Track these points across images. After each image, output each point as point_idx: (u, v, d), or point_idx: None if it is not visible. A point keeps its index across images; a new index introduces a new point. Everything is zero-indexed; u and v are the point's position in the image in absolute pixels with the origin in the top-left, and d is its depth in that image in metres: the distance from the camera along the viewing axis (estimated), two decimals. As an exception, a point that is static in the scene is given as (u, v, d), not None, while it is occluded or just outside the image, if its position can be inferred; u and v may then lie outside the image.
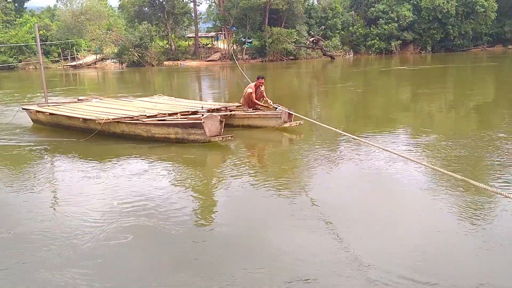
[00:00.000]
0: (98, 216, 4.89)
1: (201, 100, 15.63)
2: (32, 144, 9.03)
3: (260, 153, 8.11)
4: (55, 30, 48.60)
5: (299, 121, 9.33)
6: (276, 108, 9.52)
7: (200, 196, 5.56)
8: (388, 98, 14.92)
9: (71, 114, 9.66)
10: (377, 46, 47.78)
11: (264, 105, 9.89)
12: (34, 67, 44.09)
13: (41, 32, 47.64)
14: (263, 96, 9.93)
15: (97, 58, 46.84)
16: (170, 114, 9.02)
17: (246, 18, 43.48)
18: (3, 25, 47.79)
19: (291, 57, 44.41)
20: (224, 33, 48.12)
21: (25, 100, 15.99)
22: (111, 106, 10.67)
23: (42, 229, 4.59)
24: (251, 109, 9.84)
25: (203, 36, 54.05)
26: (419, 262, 3.57)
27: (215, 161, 7.52)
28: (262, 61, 43.55)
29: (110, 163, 7.25)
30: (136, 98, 12.14)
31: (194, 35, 50.58)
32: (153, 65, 42.60)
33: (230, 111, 9.95)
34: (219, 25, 49.29)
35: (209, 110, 9.43)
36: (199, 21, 51.20)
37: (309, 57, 44.95)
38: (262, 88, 9.96)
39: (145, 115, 8.87)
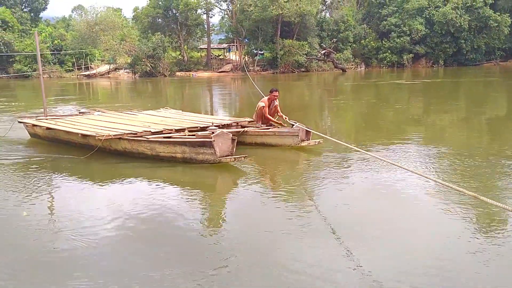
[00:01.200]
0: (97, 242, 4.47)
1: (211, 113, 15.51)
2: (27, 160, 8.47)
3: (275, 177, 7.16)
4: (70, 40, 49.32)
5: (318, 140, 8.60)
6: (293, 125, 8.72)
7: (207, 225, 4.96)
8: (404, 112, 14.87)
9: (69, 129, 8.92)
10: (388, 59, 47.77)
11: (277, 121, 9.17)
12: (48, 76, 44.68)
13: (56, 41, 48.55)
14: (277, 111, 9.19)
15: (111, 68, 47.34)
16: (177, 130, 8.35)
17: (258, 30, 43.78)
18: (18, 35, 48.52)
19: (303, 69, 44.53)
20: (236, 45, 48.44)
21: (31, 111, 15.42)
22: (113, 120, 9.90)
23: (34, 256, 4.24)
24: (265, 125, 9.14)
25: (215, 48, 54.47)
26: (434, 277, 3.57)
27: (226, 184, 6.87)
28: (273, 73, 43.72)
29: (110, 185, 6.63)
30: (141, 111, 11.51)
31: (206, 47, 51.01)
32: (165, 76, 42.94)
33: (242, 127, 9.21)
34: (231, 36, 49.71)
35: (219, 126, 8.59)
36: (211, 33, 51.71)
37: (320, 70, 45.05)
38: (277, 102, 9.21)
39: (150, 131, 8.16)
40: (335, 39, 47.34)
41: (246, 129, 8.96)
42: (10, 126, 10.84)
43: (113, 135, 7.92)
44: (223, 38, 55.62)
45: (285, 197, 5.81)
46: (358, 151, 7.13)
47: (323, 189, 6.17)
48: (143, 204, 5.60)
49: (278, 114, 9.18)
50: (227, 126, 8.99)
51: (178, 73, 44.92)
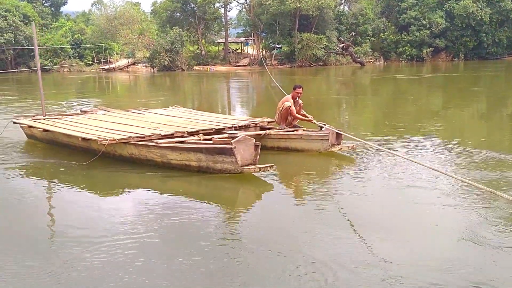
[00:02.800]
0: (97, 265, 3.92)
1: (228, 110, 15.14)
2: (20, 166, 7.66)
3: (305, 191, 6.06)
4: (90, 34, 49.77)
5: (351, 144, 7.67)
6: (321, 127, 7.78)
7: (228, 245, 4.32)
8: (428, 107, 14.76)
9: (68, 132, 8.01)
10: (408, 53, 47.23)
11: (306, 119, 8.21)
12: (68, 70, 45.29)
13: (76, 36, 49.07)
14: (300, 111, 8.29)
15: (129, 62, 47.71)
16: (189, 133, 7.48)
17: (276, 23, 43.65)
18: (39, 29, 49.21)
19: (320, 63, 44.28)
20: (254, 39, 48.40)
21: (48, 107, 13.73)
22: (118, 120, 9.02)
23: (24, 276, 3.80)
24: (287, 127, 8.19)
25: (232, 42, 54.51)
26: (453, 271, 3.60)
27: (247, 199, 6.00)
28: (291, 67, 43.57)
29: (114, 197, 5.99)
30: (149, 110, 10.58)
31: (224, 40, 51.07)
32: (183, 70, 43.13)
33: (261, 128, 8.38)
34: (249, 30, 49.69)
35: (237, 127, 7.99)
36: (229, 27, 51.74)
37: (338, 63, 44.76)
38: (301, 101, 8.31)
39: (159, 134, 7.27)
40: (353, 33, 46.99)
41: (268, 131, 7.99)
42: (4, 126, 9.62)
43: (118, 139, 7.03)
44: (240, 32, 55.64)
45: (318, 217, 4.95)
46: (402, 157, 6.43)
47: (363, 211, 5.10)
48: (151, 220, 4.94)
49: (301, 114, 8.27)
50: (245, 127, 8.19)
51: (196, 67, 45.07)
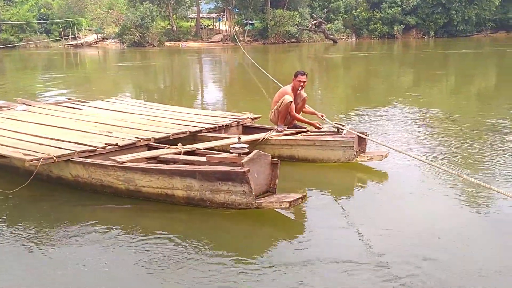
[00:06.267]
0: None
1: (202, 95, 13.95)
2: None
3: (341, 236, 3.93)
4: (56, 9, 48.23)
5: (384, 152, 5.76)
6: (339, 129, 5.91)
7: None
8: (399, 84, 14.92)
9: None
10: (379, 30, 47.48)
11: (309, 121, 6.32)
12: (35, 46, 43.93)
13: (42, 10, 47.47)
14: (304, 105, 6.43)
15: (98, 37, 46.61)
16: (157, 139, 5.53)
17: (248, -1, 43.17)
18: (4, 3, 47.39)
19: (293, 40, 44.15)
20: (226, 15, 47.81)
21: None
22: (48, 120, 6.57)
23: None
24: (286, 127, 6.29)
25: (204, 17, 53.68)
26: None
27: (259, 249, 3.73)
28: (264, 44, 43.33)
29: (48, 254, 3.67)
30: (87, 102, 8.30)
31: (195, 16, 50.24)
32: (154, 46, 42.38)
33: (244, 127, 6.67)
34: (221, 6, 49.01)
35: (215, 128, 6.25)
36: (201, 2, 50.81)
37: (311, 40, 44.73)
38: (305, 94, 6.37)
39: (116, 144, 5.16)
40: (326, 9, 46.83)
41: (267, 135, 5.91)
42: None
43: (56, 156, 4.71)
44: (212, 7, 54.77)
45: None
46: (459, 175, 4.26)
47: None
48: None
49: (308, 111, 6.52)
50: (226, 127, 6.41)
51: (167, 43, 44.33)
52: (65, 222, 4.24)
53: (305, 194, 4.40)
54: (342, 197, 4.82)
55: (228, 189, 4.24)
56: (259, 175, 4.34)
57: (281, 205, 4.17)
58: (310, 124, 6.26)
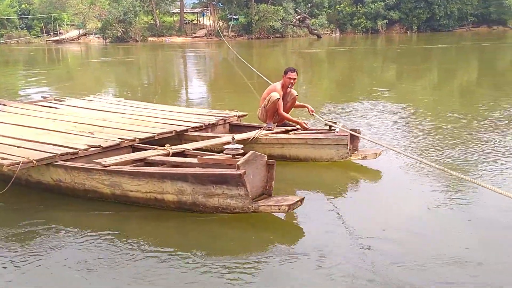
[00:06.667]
0: None
1: (186, 92, 13.65)
2: None
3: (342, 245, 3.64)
4: (37, 4, 47.59)
5: (378, 150, 5.65)
6: (331, 126, 5.77)
7: None
8: (382, 79, 15.00)
9: None
10: (363, 25, 47.67)
11: (297, 120, 6.11)
12: (16, 42, 43.28)
13: (23, 6, 46.75)
14: (294, 104, 6.25)
15: (80, 33, 46.09)
16: (141, 140, 5.30)
17: (232, -6, 43.01)
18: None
19: (278, 35, 44.11)
20: (210, 9, 47.55)
21: None
22: (23, 121, 6.22)
23: None
24: (275, 124, 6.13)
25: (188, 12, 53.32)
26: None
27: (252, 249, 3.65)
28: (248, 39, 43.22)
29: (26, 264, 3.41)
30: (64, 100, 7.98)
31: (179, 11, 49.90)
32: (137, 41, 42.06)
33: (230, 125, 6.53)
34: (204, 0, 48.73)
35: (201, 127, 6.05)
36: (184, -3, 50.49)
37: (295, 35, 44.72)
38: (296, 93, 6.18)
39: (99, 146, 4.92)
40: (310, 4, 46.87)
41: (257, 134, 5.75)
42: None
43: (36, 160, 4.41)
44: (196, 2, 54.42)
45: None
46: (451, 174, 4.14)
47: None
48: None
49: (299, 105, 6.38)
50: (212, 126, 6.24)
51: (150, 39, 44.00)
52: (44, 228, 3.97)
53: (303, 196, 4.15)
54: (337, 198, 4.66)
55: (223, 193, 4.02)
56: (255, 177, 4.14)
57: (279, 209, 3.97)
58: (297, 123, 6.05)
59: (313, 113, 6.18)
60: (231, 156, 4.11)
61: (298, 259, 3.43)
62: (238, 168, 3.91)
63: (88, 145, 4.88)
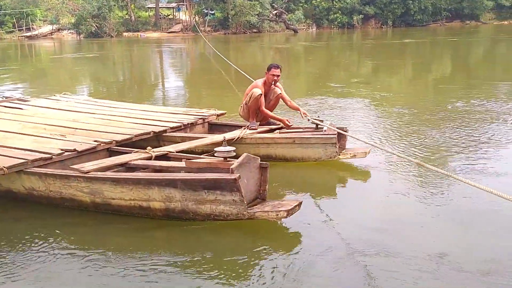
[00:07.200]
0: None
1: (163, 89, 13.26)
2: None
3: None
4: (9, -1, 46.49)
5: (367, 149, 5.50)
6: (318, 124, 5.55)
7: None
8: (359, 73, 15.09)
9: None
10: (339, 20, 47.88)
11: (280, 118, 5.91)
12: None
13: (-7, 0, 45.59)
14: (277, 102, 6.08)
15: (54, 28, 45.23)
16: (118, 142, 5.00)
17: (208, -11, 42.73)
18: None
19: (255, 30, 44.02)
20: (186, 4, 47.19)
21: None
22: None
23: None
24: (258, 123, 5.93)
25: (164, 7, 52.80)
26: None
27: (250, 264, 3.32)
28: (225, 34, 43.05)
29: None
30: (27, 100, 7.51)
31: (154, 6, 49.36)
32: (112, 36, 41.50)
33: (209, 124, 6.31)
34: (180, -5, 48.32)
35: (180, 127, 5.83)
36: (160, -9, 49.96)
37: (272, 31, 44.69)
38: (279, 91, 5.95)
39: (74, 149, 4.57)
40: (286, -1, 46.95)
41: (242, 133, 5.52)
42: None
43: (7, 167, 4.05)
44: (172, -3, 54.00)
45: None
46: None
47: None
48: None
49: (289, 104, 6.04)
50: (191, 125, 6.04)
51: (125, 34, 43.48)
52: (15, 242, 3.63)
53: (301, 200, 3.91)
54: (329, 199, 4.52)
55: (215, 199, 3.74)
56: (249, 180, 3.88)
57: (277, 215, 3.72)
58: (280, 120, 5.83)
59: (306, 116, 5.80)
60: (222, 159, 3.87)
61: (300, 270, 3.20)
62: (232, 172, 3.67)
63: (62, 149, 4.52)
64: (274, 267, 3.24)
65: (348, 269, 3.21)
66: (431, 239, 3.64)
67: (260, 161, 4.08)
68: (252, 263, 3.32)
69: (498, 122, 7.34)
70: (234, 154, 3.90)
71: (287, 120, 5.83)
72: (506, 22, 50.01)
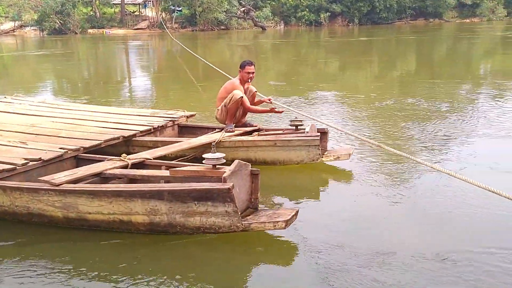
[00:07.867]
0: None
1: (129, 88, 12.74)
2: None
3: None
4: (-33, -6, 44.86)
5: (351, 150, 5.38)
6: (297, 126, 5.32)
7: None
8: (326, 70, 15.18)
9: None
10: (307, 17, 48.18)
11: (266, 109, 5.83)
12: None
13: (-51, -5, 43.90)
14: (254, 100, 5.87)
15: (16, 25, 43.93)
16: (87, 149, 4.64)
17: (175, -15, 42.29)
18: None
19: (222, 27, 43.87)
20: (152, 0, 46.56)
21: None
22: None
23: None
24: (234, 125, 5.67)
25: (129, 3, 51.80)
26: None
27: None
28: (192, 30, 42.76)
29: None
30: None
31: (120, 2, 48.50)
32: (76, 33, 40.61)
33: (179, 127, 6.05)
34: (147, -9, 47.65)
35: (149, 130, 5.51)
36: (125, -13, 49.12)
37: (240, 28, 44.66)
38: (255, 89, 5.86)
39: (39, 159, 4.15)
40: (254, -4, 46.90)
41: (221, 137, 5.20)
42: None
43: None
44: (138, -7, 53.15)
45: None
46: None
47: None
48: None
49: (258, 101, 5.94)
50: (161, 128, 5.72)
51: (90, 31, 42.60)
52: None
53: (297, 209, 3.63)
54: (319, 204, 4.33)
55: (206, 210, 3.43)
56: (240, 189, 3.58)
57: (275, 226, 3.42)
58: (268, 111, 5.71)
59: (270, 101, 5.76)
60: (211, 166, 3.56)
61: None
62: (225, 181, 3.36)
63: (25, 159, 4.08)
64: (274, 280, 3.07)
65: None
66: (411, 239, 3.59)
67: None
68: (249, 281, 3.11)
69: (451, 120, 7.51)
70: (224, 161, 3.60)
71: (275, 108, 5.64)
72: (467, 20, 51.44)
